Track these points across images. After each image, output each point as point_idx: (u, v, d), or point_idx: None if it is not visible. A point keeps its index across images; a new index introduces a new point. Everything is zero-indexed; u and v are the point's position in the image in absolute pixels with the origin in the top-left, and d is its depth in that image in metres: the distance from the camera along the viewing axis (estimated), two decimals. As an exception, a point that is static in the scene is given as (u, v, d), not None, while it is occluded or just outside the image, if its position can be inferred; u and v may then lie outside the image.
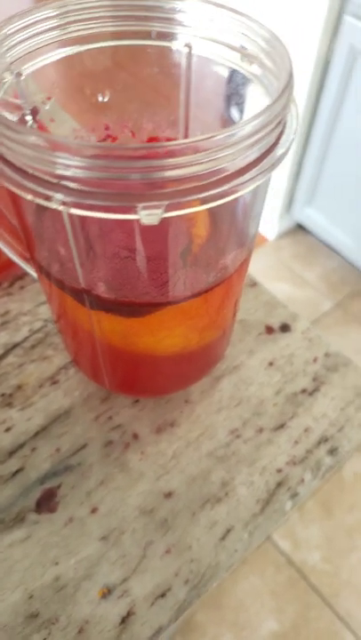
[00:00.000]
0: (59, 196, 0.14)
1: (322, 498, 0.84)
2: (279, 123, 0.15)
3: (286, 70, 0.15)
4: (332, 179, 1.01)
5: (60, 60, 0.20)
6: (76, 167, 0.13)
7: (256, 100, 0.19)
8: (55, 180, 0.14)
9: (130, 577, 0.21)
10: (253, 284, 0.31)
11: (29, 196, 0.14)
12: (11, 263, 0.30)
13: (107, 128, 0.23)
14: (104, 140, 0.23)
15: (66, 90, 0.21)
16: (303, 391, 0.27)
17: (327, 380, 0.27)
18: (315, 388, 0.27)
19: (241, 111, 0.21)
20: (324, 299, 1.12)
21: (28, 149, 0.13)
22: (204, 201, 0.14)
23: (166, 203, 0.14)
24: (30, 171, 0.14)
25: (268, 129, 0.14)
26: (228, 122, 0.22)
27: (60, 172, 0.13)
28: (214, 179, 0.14)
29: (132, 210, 0.14)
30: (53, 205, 0.14)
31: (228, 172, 0.14)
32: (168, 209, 0.14)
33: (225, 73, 0.20)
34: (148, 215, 0.14)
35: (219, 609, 0.74)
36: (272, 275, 1.14)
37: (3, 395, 0.26)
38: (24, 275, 0.31)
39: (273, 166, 0.15)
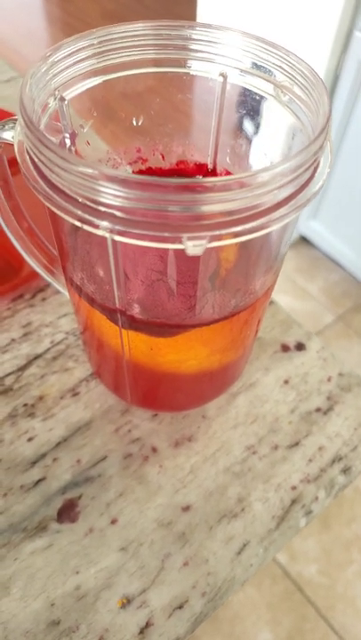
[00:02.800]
0: (105, 223, 0.15)
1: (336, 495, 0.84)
2: (315, 161, 0.16)
3: (325, 110, 0.16)
4: (337, 192, 1.03)
5: (99, 84, 0.20)
6: (124, 198, 0.14)
7: (286, 129, 0.20)
8: (103, 209, 0.14)
9: (148, 588, 0.22)
10: (270, 302, 0.32)
11: (77, 223, 0.15)
12: (33, 275, 0.31)
13: (138, 150, 0.24)
14: (135, 162, 0.24)
15: (103, 113, 0.22)
16: (318, 410, 0.28)
17: (341, 399, 0.28)
18: (329, 408, 0.28)
19: (267, 137, 0.22)
20: (326, 312, 1.13)
21: (79, 178, 0.14)
22: (241, 233, 0.15)
23: (210, 234, 0.14)
24: (79, 199, 0.15)
25: (305, 167, 0.15)
26: (256, 148, 0.22)
27: (107, 201, 0.14)
28: (253, 212, 0.15)
29: (176, 240, 0.14)
30: (100, 232, 0.15)
31: (265, 207, 0.15)
32: (212, 239, 0.14)
33: (257, 101, 0.21)
34: (194, 246, 0.14)
35: (214, 620, 0.74)
36: (275, 287, 1.15)
37: (25, 405, 0.27)
38: (46, 286, 0.31)
39: (308, 201, 0.16)
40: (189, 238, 0.14)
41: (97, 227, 0.15)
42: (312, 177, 0.16)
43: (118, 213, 0.14)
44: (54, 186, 0.15)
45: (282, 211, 0.15)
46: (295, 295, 1.16)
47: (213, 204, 0.14)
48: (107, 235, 0.15)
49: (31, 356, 0.29)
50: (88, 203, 0.15)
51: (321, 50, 0.89)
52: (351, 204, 1.01)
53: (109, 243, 0.16)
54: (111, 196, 0.14)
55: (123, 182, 0.14)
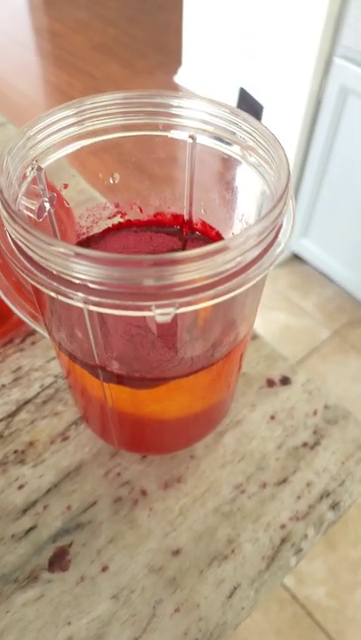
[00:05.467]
0: (80, 294, 0.15)
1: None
2: (276, 225, 0.17)
3: (284, 176, 0.17)
4: (326, 210, 1.05)
5: (76, 150, 0.22)
6: (96, 273, 0.15)
7: (255, 186, 0.21)
8: (77, 281, 0.15)
9: (140, 637, 0.22)
10: (254, 337, 0.33)
11: (53, 294, 0.16)
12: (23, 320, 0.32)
13: (117, 205, 0.25)
14: (114, 215, 0.25)
15: (81, 175, 0.23)
16: (304, 445, 0.28)
17: (327, 433, 0.28)
18: (316, 442, 0.28)
19: (237, 192, 0.23)
20: (321, 327, 1.14)
21: (55, 257, 0.15)
22: (209, 298, 0.16)
23: (179, 301, 0.15)
24: (55, 272, 0.16)
25: (267, 232, 0.16)
26: (227, 201, 0.24)
27: (81, 276, 0.15)
28: (220, 277, 0.16)
29: (147, 308, 0.15)
30: (75, 303, 0.16)
31: (231, 272, 0.16)
32: (180, 306, 0.15)
33: (225, 160, 0.22)
34: (161, 315, 0.15)
35: (222, 648, 0.72)
36: (269, 304, 1.16)
37: (15, 452, 0.27)
38: (35, 331, 0.32)
39: (272, 263, 0.17)
40: (157, 306, 0.15)
41: (71, 298, 0.16)
42: (275, 239, 0.17)
43: (92, 285, 0.15)
44: (30, 258, 0.16)
45: (248, 274, 0.16)
46: (290, 312, 1.17)
47: (178, 275, 0.15)
48: (81, 305, 0.16)
49: (21, 401, 0.29)
50: (63, 275, 0.15)
51: (303, 75, 0.92)
52: (340, 221, 1.03)
53: (85, 312, 0.17)
54: (84, 271, 0.15)
55: (95, 260, 0.15)
